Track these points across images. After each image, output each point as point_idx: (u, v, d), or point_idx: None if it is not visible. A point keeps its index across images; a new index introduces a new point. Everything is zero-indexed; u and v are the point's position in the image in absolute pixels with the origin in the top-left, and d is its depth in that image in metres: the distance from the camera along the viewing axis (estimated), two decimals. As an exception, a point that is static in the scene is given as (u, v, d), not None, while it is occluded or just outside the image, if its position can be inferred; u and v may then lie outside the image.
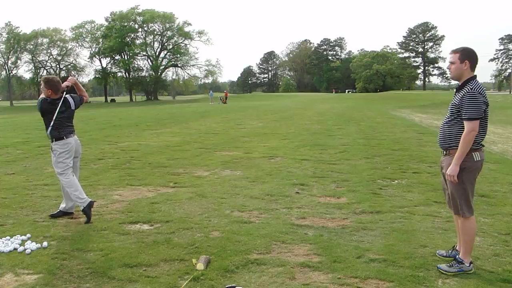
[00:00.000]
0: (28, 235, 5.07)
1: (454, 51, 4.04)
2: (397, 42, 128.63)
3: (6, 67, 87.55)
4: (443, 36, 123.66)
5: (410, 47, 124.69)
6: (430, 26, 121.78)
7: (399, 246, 4.64)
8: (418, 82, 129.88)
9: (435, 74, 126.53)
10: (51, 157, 5.85)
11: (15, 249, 4.64)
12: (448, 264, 4.10)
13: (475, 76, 4.00)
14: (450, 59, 4.08)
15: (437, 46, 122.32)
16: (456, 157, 3.91)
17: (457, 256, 4.13)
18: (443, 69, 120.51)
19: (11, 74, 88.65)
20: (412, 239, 4.84)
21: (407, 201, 6.47)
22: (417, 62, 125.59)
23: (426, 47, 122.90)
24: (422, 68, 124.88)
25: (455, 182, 3.96)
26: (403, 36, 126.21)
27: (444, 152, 4.14)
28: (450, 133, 4.05)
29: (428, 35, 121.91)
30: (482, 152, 4.03)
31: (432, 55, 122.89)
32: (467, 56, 3.97)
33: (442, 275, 3.95)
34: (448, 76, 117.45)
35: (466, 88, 3.93)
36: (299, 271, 4.06)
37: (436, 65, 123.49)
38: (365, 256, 4.36)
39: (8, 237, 4.93)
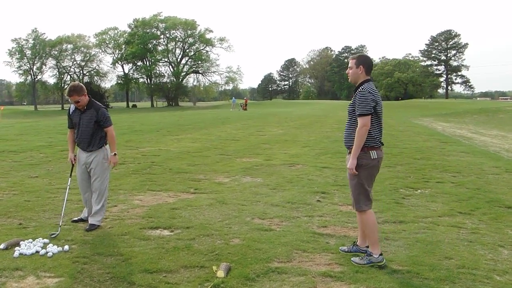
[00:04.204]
0: (53, 235, 5.17)
1: (352, 58, 4.47)
2: (419, 50, 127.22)
3: (32, 72, 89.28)
4: (467, 44, 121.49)
5: (433, 55, 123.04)
6: (453, 33, 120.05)
7: (423, 257, 4.54)
8: (441, 91, 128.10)
9: (458, 83, 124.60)
10: (94, 167, 5.68)
11: (37, 251, 4.68)
12: (360, 257, 4.40)
13: (369, 79, 4.40)
14: (349, 65, 4.48)
15: (460, 54, 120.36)
16: (353, 151, 4.27)
17: (368, 249, 4.41)
18: (466, 78, 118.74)
19: (36, 79, 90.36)
20: (436, 251, 4.73)
21: (430, 212, 6.34)
22: (439, 70, 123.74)
23: (449, 55, 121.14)
24: (445, 76, 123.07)
25: (354, 177, 4.33)
26: (426, 44, 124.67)
27: (348, 151, 4.45)
28: (351, 133, 4.36)
29: (451, 43, 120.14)
30: (380, 151, 4.38)
31: (455, 63, 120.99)
32: (362, 62, 4.38)
33: (469, 288, 3.84)
34: (471, 85, 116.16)
35: (358, 89, 4.32)
36: (321, 281, 3.99)
37: (459, 73, 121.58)
38: (388, 267, 4.28)
39: (30, 240, 4.96)
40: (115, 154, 5.74)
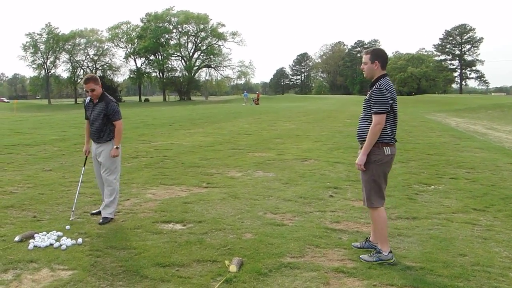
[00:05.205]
0: (67, 227, 5.26)
1: (366, 52, 4.38)
2: (433, 45, 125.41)
3: (45, 67, 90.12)
4: (482, 38, 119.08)
5: (447, 50, 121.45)
6: (468, 28, 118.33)
7: (436, 254, 4.50)
8: (455, 86, 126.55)
9: (472, 78, 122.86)
10: (103, 160, 5.74)
11: (51, 244, 4.72)
12: (369, 254, 4.36)
13: (386, 74, 4.30)
14: (363, 60, 4.38)
15: (475, 48, 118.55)
16: (364, 147, 4.24)
17: (377, 246, 4.36)
18: (481, 73, 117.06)
19: (50, 73, 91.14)
20: (450, 248, 4.68)
21: (444, 208, 6.28)
22: (453, 65, 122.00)
23: (463, 49, 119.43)
24: (459, 71, 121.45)
25: (365, 173, 4.30)
26: (440, 38, 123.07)
27: (360, 146, 4.40)
28: (365, 128, 4.30)
29: (465, 37, 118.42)
30: (394, 147, 4.34)
31: (469, 58, 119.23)
32: (377, 56, 4.30)
33: (483, 286, 3.79)
34: (486, 80, 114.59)
35: (375, 85, 4.23)
36: (333, 276, 3.97)
37: (474, 68, 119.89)
38: (401, 264, 4.25)
39: (44, 232, 5.01)
40: (117, 147, 5.77)
